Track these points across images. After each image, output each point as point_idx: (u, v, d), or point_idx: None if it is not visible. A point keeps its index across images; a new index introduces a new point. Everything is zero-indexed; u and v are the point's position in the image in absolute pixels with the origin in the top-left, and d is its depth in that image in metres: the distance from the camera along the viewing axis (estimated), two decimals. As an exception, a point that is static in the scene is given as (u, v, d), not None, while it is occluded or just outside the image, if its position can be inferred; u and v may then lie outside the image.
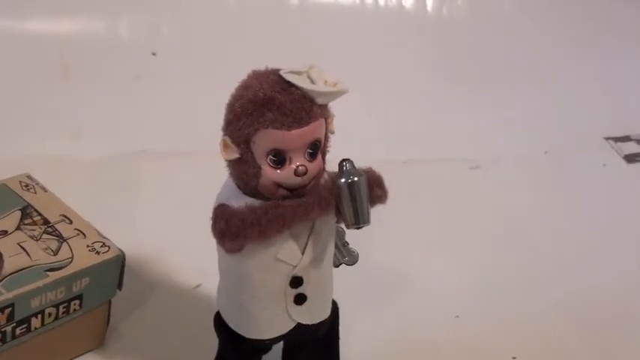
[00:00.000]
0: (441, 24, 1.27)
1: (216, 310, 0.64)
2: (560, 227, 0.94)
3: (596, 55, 1.25)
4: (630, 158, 1.06)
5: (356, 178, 0.56)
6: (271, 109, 0.53)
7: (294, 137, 0.54)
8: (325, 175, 0.59)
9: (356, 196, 0.56)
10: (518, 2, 1.30)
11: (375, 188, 0.57)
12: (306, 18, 1.24)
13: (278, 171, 0.55)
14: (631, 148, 1.08)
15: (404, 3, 1.27)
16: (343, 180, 0.56)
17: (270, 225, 0.55)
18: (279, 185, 0.55)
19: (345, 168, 0.56)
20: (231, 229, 0.55)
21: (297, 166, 0.55)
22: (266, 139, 0.54)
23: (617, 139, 1.10)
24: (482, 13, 1.29)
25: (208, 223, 0.57)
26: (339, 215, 0.58)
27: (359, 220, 0.57)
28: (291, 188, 0.56)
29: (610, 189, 1.02)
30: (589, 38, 1.27)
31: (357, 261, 0.62)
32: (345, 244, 0.63)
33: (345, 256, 0.62)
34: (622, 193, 1.01)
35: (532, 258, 0.89)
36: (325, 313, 0.63)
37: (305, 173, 0.55)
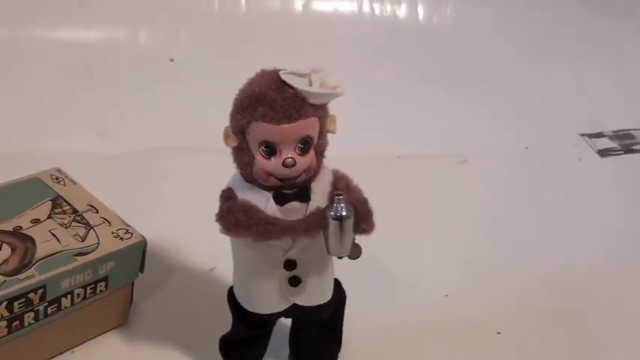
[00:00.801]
0: (431, 31, 1.27)
1: (230, 286, 0.65)
2: (540, 215, 0.94)
3: (572, 60, 1.25)
4: (603, 153, 1.06)
5: (344, 214, 0.55)
6: (263, 104, 0.54)
7: (283, 131, 0.54)
8: (327, 174, 0.59)
9: (340, 231, 0.56)
10: (501, 13, 1.30)
11: (360, 223, 0.57)
12: (309, 25, 1.24)
13: (269, 161, 0.55)
14: (604, 143, 1.08)
15: (398, 13, 1.27)
16: (332, 214, 0.55)
17: (260, 235, 0.55)
18: (269, 174, 0.56)
19: (336, 203, 0.56)
20: (227, 225, 0.56)
21: (286, 159, 0.55)
22: (258, 130, 0.55)
23: (591, 136, 1.10)
24: (468, 22, 1.29)
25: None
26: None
27: (339, 252, 0.57)
28: (280, 178, 0.56)
29: (585, 181, 1.01)
30: (564, 45, 1.27)
31: (358, 257, 0.61)
32: (353, 239, 0.62)
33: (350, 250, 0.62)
34: (596, 184, 1.01)
35: (515, 242, 0.89)
36: (324, 298, 0.63)
37: (293, 165, 0.55)
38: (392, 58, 1.22)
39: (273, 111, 0.54)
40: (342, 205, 0.56)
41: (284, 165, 0.55)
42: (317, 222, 0.56)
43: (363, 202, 0.58)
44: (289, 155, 0.55)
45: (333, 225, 0.56)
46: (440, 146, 1.06)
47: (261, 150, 0.55)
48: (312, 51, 1.13)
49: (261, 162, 0.55)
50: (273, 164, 0.55)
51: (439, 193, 0.97)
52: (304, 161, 0.56)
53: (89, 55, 1.16)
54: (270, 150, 0.55)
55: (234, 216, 0.56)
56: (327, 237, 0.57)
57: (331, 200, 0.56)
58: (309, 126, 0.55)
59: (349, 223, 0.56)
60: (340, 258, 0.61)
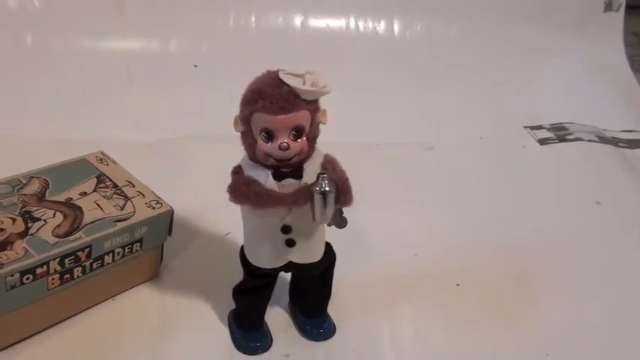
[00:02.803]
0: (404, 43, 1.26)
1: (242, 245, 0.64)
2: (492, 191, 0.93)
3: (518, 67, 1.24)
4: (543, 141, 1.05)
5: (327, 189, 0.55)
6: (263, 98, 0.53)
7: (279, 121, 0.54)
8: (318, 157, 0.58)
9: (324, 203, 0.56)
10: (461, 29, 1.29)
11: (341, 196, 0.57)
12: (306, 38, 1.23)
13: (268, 144, 0.55)
14: (543, 134, 1.07)
15: (377, 29, 1.26)
16: (317, 189, 0.55)
17: (257, 204, 0.56)
18: (268, 155, 0.55)
19: (320, 180, 0.55)
20: (233, 194, 0.57)
21: (281, 143, 0.54)
22: (259, 120, 0.54)
23: (533, 128, 1.09)
24: (435, 36, 1.28)
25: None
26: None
27: (322, 221, 0.57)
28: (277, 159, 0.55)
29: (528, 164, 1.01)
30: (511, 54, 1.26)
31: (344, 227, 0.61)
32: (341, 212, 0.61)
33: (337, 221, 0.61)
34: (537, 167, 1.00)
35: (472, 213, 0.88)
36: (316, 257, 0.63)
37: (287, 149, 0.55)
38: (373, 64, 1.21)
39: (271, 104, 0.53)
40: (326, 181, 0.55)
41: (279, 148, 0.54)
42: (304, 195, 0.56)
43: (344, 180, 0.58)
44: (284, 141, 0.54)
45: (317, 198, 0.56)
46: (411, 136, 1.05)
47: (261, 135, 0.55)
48: (308, 59, 1.11)
49: (262, 145, 0.55)
50: (271, 147, 0.55)
51: (410, 174, 0.96)
52: (297, 146, 0.55)
53: (129, 61, 1.15)
54: (269, 136, 0.54)
55: (238, 187, 0.56)
56: (312, 208, 0.56)
57: (317, 178, 0.56)
58: (301, 117, 0.54)
59: (331, 197, 0.56)
60: (329, 225, 0.61)
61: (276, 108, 0.53)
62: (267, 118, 0.54)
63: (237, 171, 0.58)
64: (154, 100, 1.08)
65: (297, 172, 0.57)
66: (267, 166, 0.56)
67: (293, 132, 0.55)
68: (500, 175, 0.97)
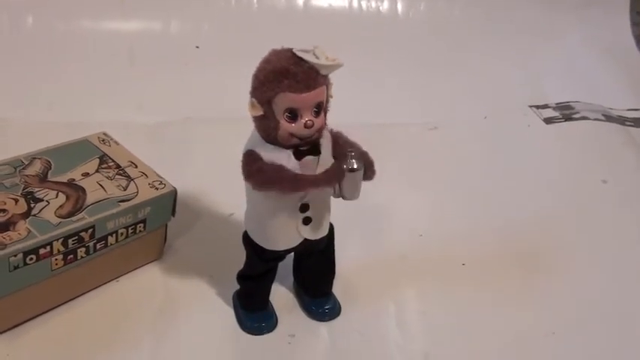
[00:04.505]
0: (407, 23, 1.24)
1: (244, 230, 0.63)
2: (496, 171, 0.92)
3: (523, 46, 1.23)
4: (548, 120, 1.04)
5: (356, 167, 0.56)
6: (287, 78, 0.52)
7: (304, 99, 0.53)
8: (326, 132, 0.58)
9: (354, 181, 0.57)
10: (464, 8, 1.27)
11: (367, 171, 0.57)
12: (308, 18, 1.22)
13: (292, 124, 0.54)
14: (549, 113, 1.06)
15: (380, 8, 1.25)
16: (349, 168, 0.56)
17: (287, 188, 0.55)
18: (292, 135, 0.54)
19: (349, 158, 0.56)
20: (258, 181, 0.55)
21: (306, 121, 0.54)
22: (283, 100, 0.53)
23: (538, 107, 1.08)
24: (438, 15, 1.27)
25: (239, 167, 0.57)
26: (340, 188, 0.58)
27: (353, 197, 0.58)
28: (301, 137, 0.55)
29: (533, 143, 1.00)
30: (516, 33, 1.25)
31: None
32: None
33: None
34: (542, 146, 0.99)
35: (477, 193, 0.88)
36: (325, 231, 0.63)
37: (312, 126, 0.54)
38: (376, 44, 1.19)
39: (297, 83, 0.52)
40: (355, 159, 0.56)
41: (305, 127, 0.54)
42: (335, 174, 0.56)
43: (366, 154, 0.58)
44: (309, 118, 0.54)
45: (350, 176, 0.56)
46: (415, 116, 1.04)
47: (285, 116, 0.54)
48: (311, 38, 1.09)
49: (286, 126, 0.54)
50: (296, 127, 0.54)
51: (414, 154, 0.96)
52: (318, 122, 0.55)
53: (130, 43, 1.14)
54: (293, 115, 0.54)
55: (266, 174, 0.55)
56: (343, 186, 0.57)
57: (344, 156, 0.57)
58: (321, 93, 0.54)
59: (361, 173, 0.57)
60: (335, 197, 0.60)
61: (301, 86, 0.52)
62: (293, 98, 0.53)
63: (256, 156, 0.56)
64: (156, 81, 1.07)
65: (314, 148, 0.56)
66: (285, 146, 0.55)
67: (314, 109, 0.54)
68: (505, 155, 0.96)
